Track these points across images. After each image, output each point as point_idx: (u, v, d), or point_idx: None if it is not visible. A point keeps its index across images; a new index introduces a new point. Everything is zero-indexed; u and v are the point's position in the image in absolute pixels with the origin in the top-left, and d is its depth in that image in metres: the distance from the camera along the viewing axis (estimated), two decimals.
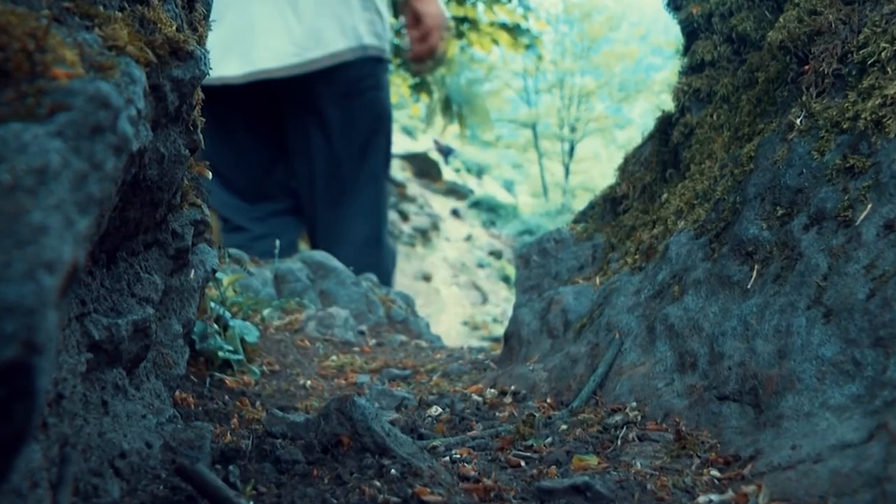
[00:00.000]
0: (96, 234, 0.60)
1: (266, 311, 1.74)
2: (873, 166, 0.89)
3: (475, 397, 1.25)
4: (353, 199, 1.61)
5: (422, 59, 1.64)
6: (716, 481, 0.78)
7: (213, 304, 1.21)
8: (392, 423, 1.01)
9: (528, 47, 5.20)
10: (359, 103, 1.55)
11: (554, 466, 0.85)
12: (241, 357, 1.22)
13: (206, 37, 0.87)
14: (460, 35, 5.25)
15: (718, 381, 0.95)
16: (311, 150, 1.52)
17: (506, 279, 9.78)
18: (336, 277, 2.14)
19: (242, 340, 1.25)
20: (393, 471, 0.76)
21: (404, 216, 10.64)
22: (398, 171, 13.05)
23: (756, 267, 1.01)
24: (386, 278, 1.95)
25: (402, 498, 0.70)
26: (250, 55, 1.39)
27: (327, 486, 0.74)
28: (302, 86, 1.48)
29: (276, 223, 1.65)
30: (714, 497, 0.73)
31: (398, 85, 5.72)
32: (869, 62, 0.97)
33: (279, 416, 0.87)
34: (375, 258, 1.84)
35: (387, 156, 1.70)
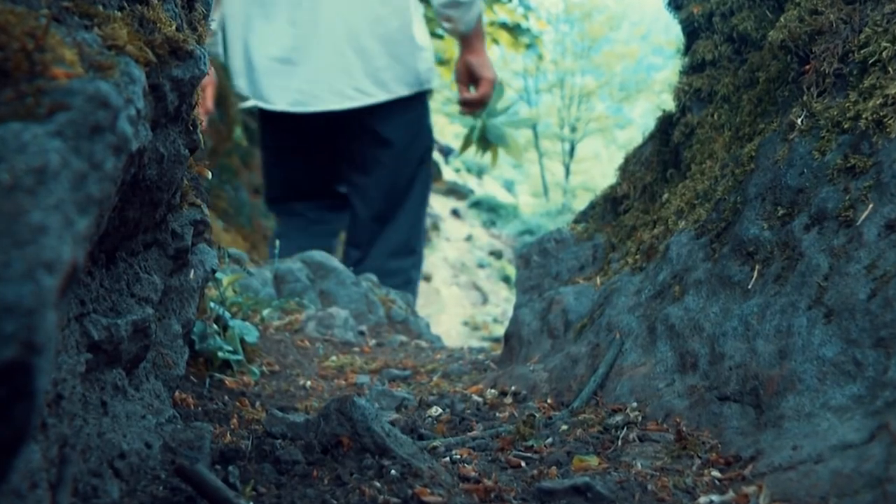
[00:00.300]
0: (96, 235, 0.60)
1: (266, 312, 1.74)
2: (874, 166, 0.89)
3: (475, 398, 1.25)
4: (402, 211, 1.76)
5: (474, 107, 1.86)
6: (716, 482, 0.78)
7: (212, 305, 1.21)
8: (392, 423, 1.01)
9: (528, 47, 5.19)
10: (416, 126, 1.75)
11: (554, 467, 0.85)
12: (240, 357, 1.22)
13: (206, 36, 0.87)
14: None
15: (719, 381, 0.94)
16: (374, 166, 1.66)
17: (506, 279, 9.78)
18: (336, 277, 2.14)
19: (242, 341, 1.25)
20: (393, 471, 0.75)
21: None
22: None
23: (757, 267, 1.01)
24: (412, 286, 2.06)
25: (403, 499, 0.70)
26: (315, 94, 1.54)
27: (327, 486, 0.74)
28: (364, 113, 1.65)
29: (328, 215, 1.83)
30: (715, 498, 0.72)
31: None
32: (870, 62, 0.97)
33: (279, 417, 0.87)
34: (405, 265, 1.95)
35: (430, 171, 1.93)
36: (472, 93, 1.81)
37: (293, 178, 1.64)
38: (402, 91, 1.64)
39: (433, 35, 5.36)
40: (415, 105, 1.73)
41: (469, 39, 1.75)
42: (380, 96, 1.64)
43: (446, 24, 1.73)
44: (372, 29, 1.59)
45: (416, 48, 1.70)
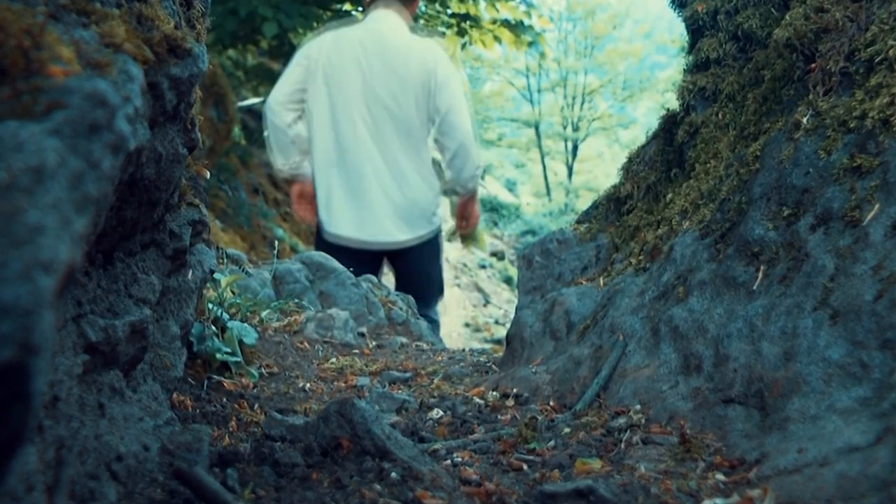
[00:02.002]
0: (93, 234, 0.59)
1: (265, 313, 1.73)
2: (881, 166, 0.88)
3: (477, 400, 1.24)
4: (429, 298, 2.56)
5: (466, 234, 2.79)
6: (721, 485, 0.77)
7: (210, 306, 1.20)
8: (392, 425, 1.00)
9: (530, 45, 5.18)
10: (431, 248, 2.55)
11: (557, 470, 0.84)
12: (239, 359, 1.21)
13: (204, 34, 0.86)
14: (462, 33, 5.24)
15: (724, 383, 0.93)
16: (409, 274, 2.48)
17: (508, 280, 9.77)
18: (336, 278, 2.14)
19: (241, 342, 1.24)
20: (393, 474, 0.75)
21: None
22: None
23: (762, 268, 1.00)
24: (437, 327, 2.70)
25: (403, 501, 0.69)
26: (361, 228, 2.38)
27: (327, 489, 0.73)
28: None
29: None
30: (719, 501, 0.72)
31: None
32: (876, 60, 0.96)
33: (278, 419, 0.87)
34: (432, 315, 2.64)
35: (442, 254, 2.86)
36: (464, 225, 2.77)
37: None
38: (425, 231, 2.48)
39: (433, 32, 5.35)
40: (434, 239, 2.58)
41: (470, 196, 2.67)
42: (407, 235, 2.44)
43: (458, 189, 2.58)
44: (415, 188, 2.45)
45: (435, 207, 2.52)
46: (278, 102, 2.29)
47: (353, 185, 2.30)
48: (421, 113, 2.30)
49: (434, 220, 2.49)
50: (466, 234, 2.80)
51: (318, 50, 2.23)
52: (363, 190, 2.30)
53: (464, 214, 2.73)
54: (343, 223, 2.30)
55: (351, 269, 2.16)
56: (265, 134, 2.48)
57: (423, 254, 2.45)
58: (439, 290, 2.64)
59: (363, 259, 2.36)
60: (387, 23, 2.21)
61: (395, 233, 2.35)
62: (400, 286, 2.47)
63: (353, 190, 2.30)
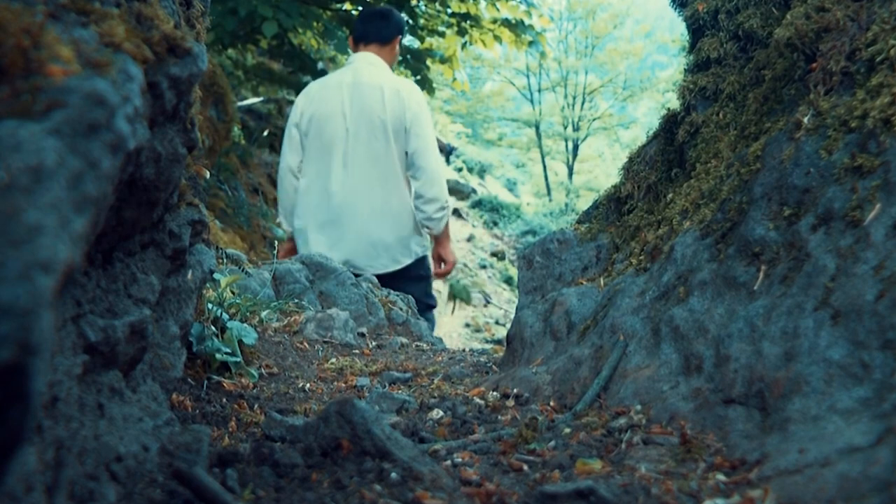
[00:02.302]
0: (92, 234, 0.59)
1: (264, 313, 1.73)
2: (882, 165, 0.88)
3: (477, 400, 1.23)
4: (424, 304, 2.75)
5: (442, 276, 2.92)
6: (722, 486, 0.77)
7: (210, 306, 1.20)
8: (393, 426, 1.00)
9: (531, 44, 5.17)
10: (413, 272, 2.73)
11: (557, 471, 0.84)
12: (238, 359, 1.21)
13: (204, 34, 0.86)
14: (462, 32, 5.23)
15: (724, 383, 0.93)
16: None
17: (508, 280, 9.76)
18: (335, 279, 2.14)
19: (240, 342, 1.24)
20: (393, 475, 0.74)
21: None
22: None
23: (763, 268, 1.00)
24: (432, 324, 2.88)
25: (403, 502, 0.69)
26: (355, 258, 2.59)
27: (327, 490, 0.73)
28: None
29: None
30: (720, 502, 0.71)
31: None
32: (878, 60, 0.96)
33: (278, 420, 0.86)
34: (429, 317, 2.83)
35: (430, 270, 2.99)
36: (442, 268, 2.88)
37: None
38: (401, 262, 2.64)
39: (434, 32, 5.35)
40: (415, 264, 2.74)
41: (439, 237, 2.76)
42: (392, 267, 2.65)
43: (425, 228, 2.68)
44: (393, 220, 2.62)
45: (417, 235, 2.67)
46: (287, 173, 2.55)
47: (336, 223, 2.49)
48: (398, 152, 2.46)
49: (413, 250, 2.66)
50: (442, 277, 2.91)
51: (306, 100, 2.46)
52: (355, 226, 2.49)
53: (438, 256, 2.85)
54: (338, 259, 2.43)
55: None
56: (278, 185, 2.74)
57: (403, 278, 2.65)
58: (426, 307, 2.78)
59: None
60: (366, 65, 2.38)
61: (383, 264, 2.58)
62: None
63: (340, 228, 2.50)
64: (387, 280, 2.55)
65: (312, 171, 2.50)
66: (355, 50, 2.47)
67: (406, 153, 2.48)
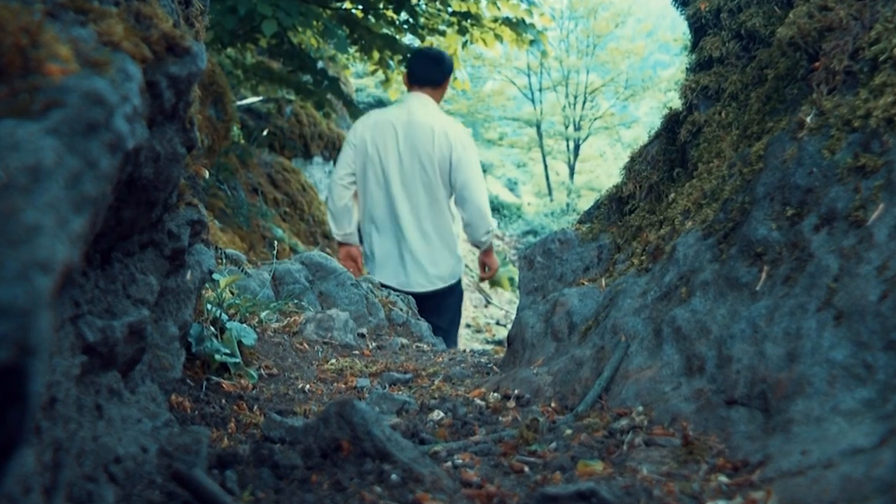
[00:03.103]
0: (91, 234, 0.59)
1: (264, 313, 1.72)
2: (885, 165, 0.87)
3: (478, 401, 1.23)
4: (448, 329, 3.00)
5: (487, 279, 3.34)
6: (724, 487, 0.76)
7: (209, 306, 1.20)
8: (393, 427, 1.00)
9: (532, 43, 5.16)
10: (450, 293, 3.00)
11: (558, 472, 0.83)
12: (238, 360, 1.20)
13: (203, 33, 0.86)
14: (463, 31, 5.22)
15: (727, 384, 0.93)
16: (432, 310, 2.85)
17: (509, 281, 9.74)
18: (335, 279, 2.14)
19: (240, 343, 1.23)
20: (394, 476, 0.74)
21: None
22: None
23: (765, 268, 0.99)
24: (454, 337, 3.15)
25: None
26: (395, 277, 2.85)
27: (326, 491, 0.73)
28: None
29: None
30: (722, 503, 0.71)
31: (399, 82, 5.71)
32: (881, 59, 0.95)
33: (277, 421, 0.86)
34: (451, 340, 3.02)
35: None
36: (486, 272, 3.24)
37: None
38: (445, 283, 2.93)
39: (435, 31, 5.34)
40: (453, 286, 3.02)
41: (486, 250, 3.11)
42: (436, 286, 2.93)
43: (474, 246, 3.05)
44: (439, 246, 2.91)
45: (457, 260, 2.96)
46: (337, 184, 2.79)
47: (387, 245, 2.80)
48: (444, 183, 2.77)
49: (455, 272, 2.94)
50: (487, 279, 3.36)
51: (363, 129, 2.73)
52: (397, 249, 2.82)
53: (484, 264, 3.24)
54: (390, 278, 2.81)
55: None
56: (326, 204, 3.04)
57: (443, 297, 2.94)
58: (456, 324, 3.13)
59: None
60: (419, 105, 2.68)
61: (430, 283, 2.87)
62: (423, 318, 2.94)
63: (387, 249, 2.81)
64: (427, 299, 2.82)
65: (368, 194, 2.79)
66: (410, 89, 2.75)
67: (452, 186, 2.78)
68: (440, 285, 2.88)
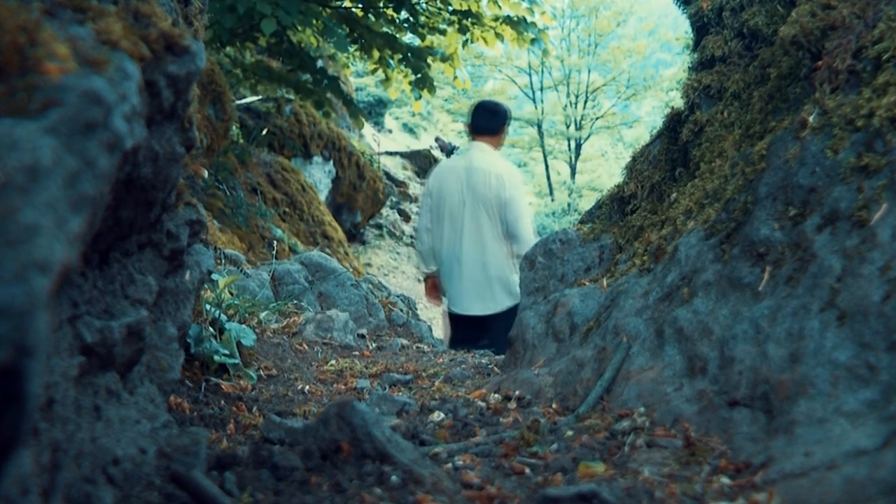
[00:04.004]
0: (89, 234, 0.58)
1: (263, 314, 1.72)
2: (888, 165, 0.87)
3: (478, 403, 1.23)
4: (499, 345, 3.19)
5: None
6: (726, 489, 0.76)
7: (208, 307, 1.19)
8: (393, 428, 0.99)
9: (533, 42, 5.15)
10: (511, 315, 3.09)
11: (559, 474, 0.83)
12: (237, 361, 1.20)
13: (202, 31, 0.85)
14: (464, 30, 5.21)
15: (729, 385, 0.92)
16: (493, 330, 3.16)
17: None
18: (335, 279, 2.14)
19: (239, 344, 1.23)
20: (394, 478, 0.74)
21: (405, 216, 10.62)
22: (399, 169, 13.01)
23: (768, 268, 0.99)
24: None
25: None
26: (469, 306, 3.24)
27: (326, 493, 0.72)
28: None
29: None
30: None
31: (399, 81, 5.69)
32: (884, 58, 0.95)
33: (277, 422, 0.86)
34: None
35: None
36: None
37: (459, 337, 3.28)
38: (506, 305, 3.24)
39: (435, 30, 5.34)
40: (513, 308, 3.28)
41: None
42: (497, 308, 3.25)
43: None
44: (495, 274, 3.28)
45: (513, 284, 3.23)
46: (421, 230, 3.33)
47: (455, 275, 3.23)
48: (500, 220, 3.20)
49: (512, 293, 3.24)
50: None
51: (434, 179, 3.30)
52: (467, 278, 3.22)
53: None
54: (457, 303, 3.23)
55: (466, 328, 3.16)
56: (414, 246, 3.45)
57: (505, 319, 3.20)
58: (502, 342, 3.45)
59: (472, 322, 3.26)
60: (478, 153, 3.18)
61: (487, 307, 3.22)
62: (486, 338, 3.17)
63: (457, 279, 3.23)
64: (484, 320, 3.17)
65: (441, 232, 3.30)
66: (472, 138, 3.23)
67: (504, 222, 3.22)
68: (497, 309, 3.24)
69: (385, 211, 9.91)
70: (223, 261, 1.82)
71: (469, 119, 3.22)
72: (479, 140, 3.18)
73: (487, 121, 3.15)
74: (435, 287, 3.38)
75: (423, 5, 5.21)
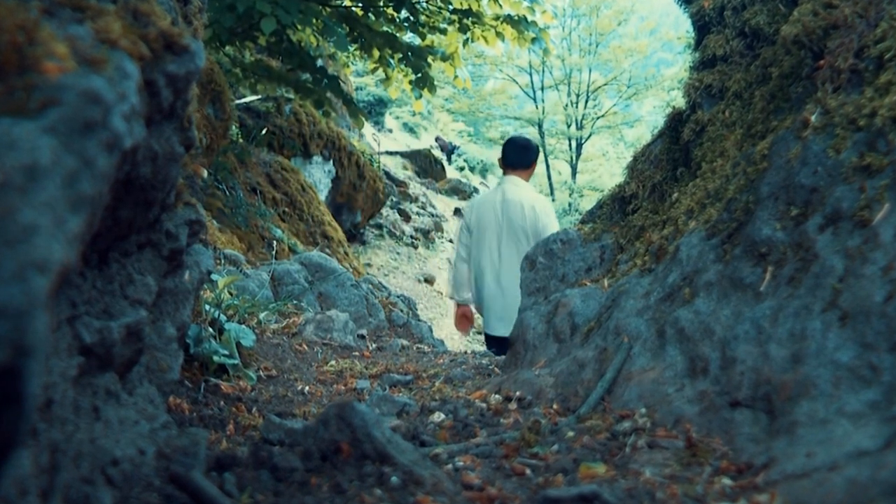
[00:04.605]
0: (88, 234, 0.58)
1: (263, 314, 1.72)
2: (891, 164, 0.86)
3: (479, 403, 1.22)
4: None
5: None
6: (728, 490, 0.75)
7: (208, 307, 1.19)
8: (393, 429, 0.99)
9: (534, 41, 5.14)
10: None
11: (560, 475, 0.82)
12: (236, 361, 1.20)
13: (201, 30, 0.85)
14: (464, 29, 5.20)
15: (731, 386, 0.92)
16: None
17: None
18: (335, 279, 2.13)
19: (238, 344, 1.23)
20: (394, 479, 0.73)
21: (406, 216, 10.62)
22: (400, 169, 13.02)
23: (769, 269, 0.98)
24: None
25: None
26: (501, 327, 3.35)
27: (326, 494, 0.72)
28: None
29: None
30: None
31: (400, 80, 5.69)
32: (886, 57, 0.94)
33: (276, 423, 0.85)
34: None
35: None
36: None
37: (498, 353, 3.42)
38: None
39: (436, 29, 5.34)
40: None
41: None
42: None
43: None
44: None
45: None
46: (458, 259, 3.51)
47: (495, 301, 3.37)
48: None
49: None
50: None
51: (471, 212, 3.50)
52: (506, 304, 3.33)
53: None
54: (496, 327, 3.35)
55: (504, 348, 3.40)
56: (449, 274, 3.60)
57: None
58: None
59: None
60: (511, 186, 3.41)
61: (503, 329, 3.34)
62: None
63: (497, 304, 3.37)
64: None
65: (479, 262, 3.49)
66: (504, 172, 3.44)
67: None
68: None
69: (385, 211, 9.91)
70: (222, 261, 1.82)
71: (502, 154, 3.42)
72: (512, 174, 3.40)
73: (520, 156, 3.38)
74: (465, 316, 3.55)
75: (424, 4, 5.21)
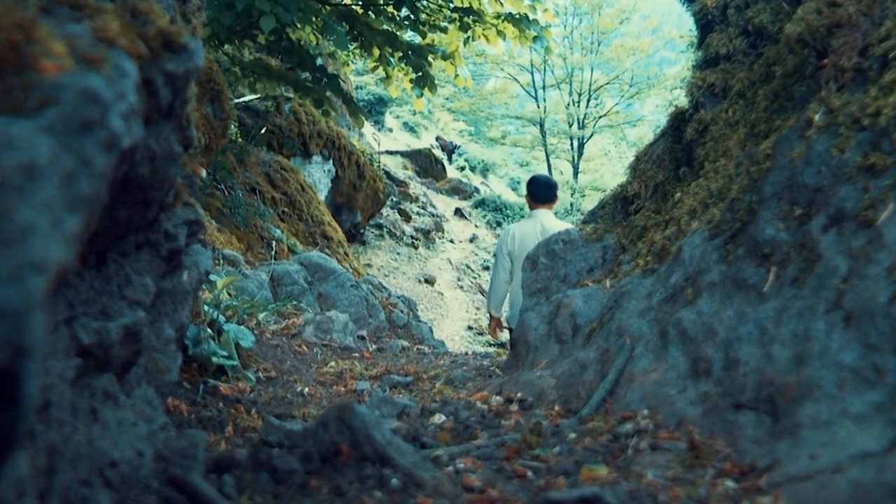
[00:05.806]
0: (86, 234, 0.57)
1: (262, 315, 1.72)
2: (895, 164, 0.86)
3: (480, 405, 1.22)
4: None
5: None
6: (731, 492, 0.75)
7: (206, 308, 1.19)
8: (393, 431, 0.99)
9: (535, 40, 5.13)
10: None
11: (562, 477, 0.82)
12: (235, 363, 1.19)
13: (200, 29, 0.84)
14: (465, 28, 5.20)
15: (734, 388, 0.91)
16: None
17: None
18: (335, 280, 2.13)
19: (237, 345, 1.22)
20: (394, 481, 0.73)
21: (406, 216, 10.62)
22: (400, 168, 13.02)
23: (773, 269, 0.98)
24: None
25: None
26: None
27: (326, 496, 0.72)
28: None
29: None
30: None
31: (400, 79, 5.68)
32: (890, 56, 0.94)
33: (276, 424, 0.85)
34: None
35: None
36: None
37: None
38: None
39: (436, 28, 5.33)
40: None
41: None
42: None
43: None
44: None
45: None
46: (500, 283, 3.75)
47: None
48: None
49: None
50: None
51: (512, 240, 3.81)
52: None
53: None
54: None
55: None
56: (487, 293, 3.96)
57: None
58: None
59: None
60: (545, 218, 3.84)
61: None
62: None
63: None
64: None
65: (518, 284, 3.64)
66: (532, 207, 3.85)
67: None
68: None
69: (385, 211, 9.91)
70: (221, 261, 1.82)
71: (529, 191, 3.93)
72: (541, 207, 3.92)
73: (545, 193, 3.91)
74: (499, 325, 3.96)
75: (424, 2, 5.20)
